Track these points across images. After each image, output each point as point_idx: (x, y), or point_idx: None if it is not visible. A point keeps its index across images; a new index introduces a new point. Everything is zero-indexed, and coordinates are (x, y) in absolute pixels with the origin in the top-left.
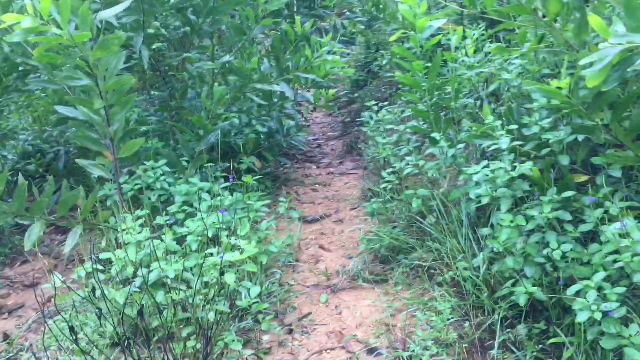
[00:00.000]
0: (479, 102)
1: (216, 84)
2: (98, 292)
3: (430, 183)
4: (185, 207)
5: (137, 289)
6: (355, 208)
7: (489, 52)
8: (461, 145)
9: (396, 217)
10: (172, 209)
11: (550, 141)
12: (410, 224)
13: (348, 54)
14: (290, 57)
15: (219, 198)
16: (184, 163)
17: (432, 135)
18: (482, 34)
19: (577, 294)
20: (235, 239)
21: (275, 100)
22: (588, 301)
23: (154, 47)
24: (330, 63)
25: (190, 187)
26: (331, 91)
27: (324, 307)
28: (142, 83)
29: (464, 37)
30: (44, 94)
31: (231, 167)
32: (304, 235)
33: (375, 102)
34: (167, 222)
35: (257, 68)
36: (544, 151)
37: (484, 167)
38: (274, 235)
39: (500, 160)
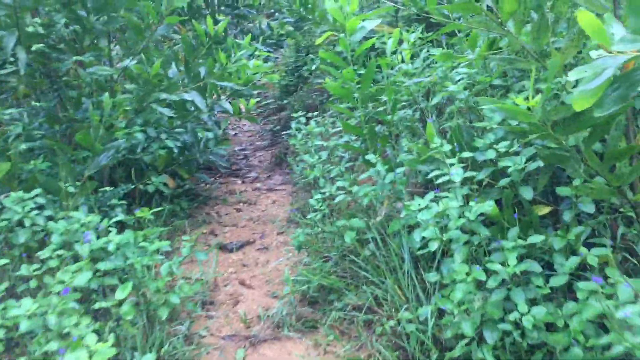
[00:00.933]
0: (417, 114)
1: (107, 94)
2: None
3: (366, 209)
4: (62, 252)
5: None
6: (283, 232)
7: (428, 58)
8: (401, 169)
9: (328, 248)
10: (43, 253)
11: (510, 170)
12: (344, 256)
13: (277, 58)
14: (203, 62)
15: (103, 240)
16: (72, 189)
17: (367, 157)
18: (421, 38)
19: None
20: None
21: (192, 109)
22: None
23: (34, 48)
24: (252, 69)
25: (71, 224)
26: (252, 101)
27: None
28: (31, 90)
29: (401, 41)
30: None
31: (137, 189)
32: (223, 267)
33: (304, 112)
34: (35, 271)
35: (164, 74)
36: (503, 181)
37: (432, 200)
38: (184, 272)
39: (449, 192)
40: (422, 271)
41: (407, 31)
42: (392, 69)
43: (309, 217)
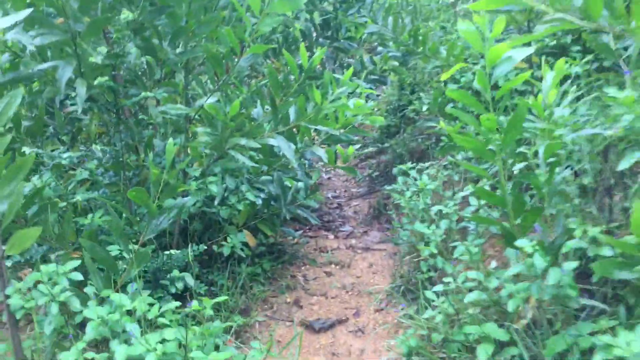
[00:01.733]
0: (582, 177)
1: (171, 140)
2: None
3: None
4: (92, 355)
5: None
6: (382, 310)
7: (595, 99)
8: (571, 265)
9: (448, 355)
10: (67, 356)
11: None
12: None
13: (378, 96)
14: (293, 100)
15: (141, 347)
16: (126, 255)
17: (519, 244)
18: (586, 73)
19: None
20: None
21: (280, 154)
22: None
23: (97, 82)
24: (352, 110)
25: (111, 312)
26: (351, 148)
27: None
28: (105, 129)
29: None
30: None
31: (212, 249)
32: (307, 353)
33: (410, 160)
34: None
35: (246, 115)
36: None
37: None
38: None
39: None
40: None
41: (570, 64)
42: (549, 117)
43: (424, 316)
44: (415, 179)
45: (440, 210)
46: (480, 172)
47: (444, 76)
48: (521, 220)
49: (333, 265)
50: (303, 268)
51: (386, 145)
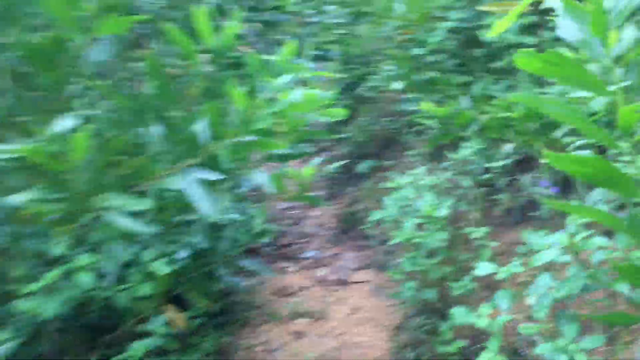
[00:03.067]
0: None
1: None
2: None
3: None
4: None
5: None
6: None
7: None
8: None
9: None
10: None
11: None
12: None
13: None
14: (203, 110)
15: None
16: None
17: None
18: None
19: None
20: None
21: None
22: None
23: None
24: (301, 107)
25: None
26: (308, 171)
27: None
28: None
29: None
30: None
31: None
32: None
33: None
34: None
35: (123, 143)
36: None
37: None
38: None
39: None
40: None
41: None
42: None
43: None
44: (412, 199)
45: (496, 276)
46: (613, 224)
47: (493, 31)
48: None
49: (302, 319)
50: (262, 328)
51: (343, 136)
